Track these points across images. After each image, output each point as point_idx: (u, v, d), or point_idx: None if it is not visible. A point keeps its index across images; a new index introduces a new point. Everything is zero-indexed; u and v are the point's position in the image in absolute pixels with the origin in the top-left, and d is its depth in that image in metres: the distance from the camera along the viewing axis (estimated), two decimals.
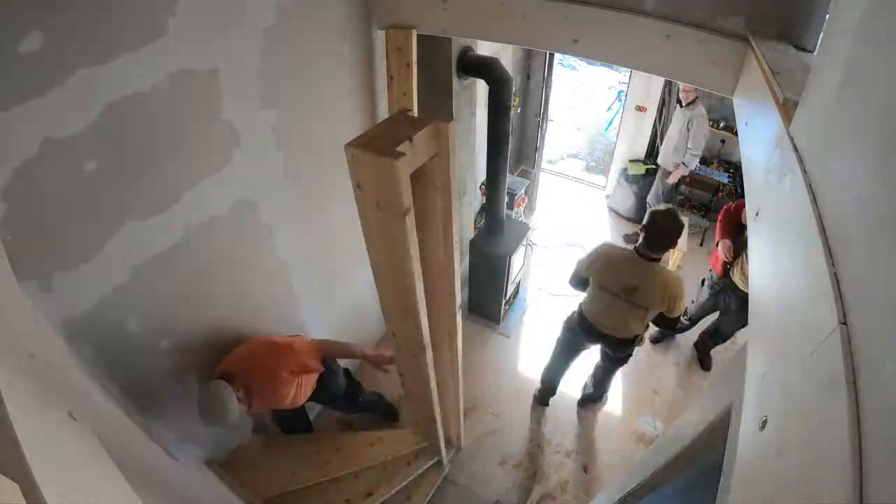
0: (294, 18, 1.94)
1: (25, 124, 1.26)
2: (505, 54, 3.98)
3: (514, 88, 3.44)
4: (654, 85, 4.58)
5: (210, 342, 2.19)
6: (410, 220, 1.37)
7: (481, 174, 3.73)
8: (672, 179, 4.29)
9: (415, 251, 1.47)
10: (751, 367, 0.83)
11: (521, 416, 3.28)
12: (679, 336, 3.81)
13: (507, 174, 3.34)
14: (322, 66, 2.21)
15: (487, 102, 3.09)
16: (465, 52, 2.79)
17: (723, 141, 4.95)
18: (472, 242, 3.61)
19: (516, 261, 3.66)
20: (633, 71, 4.19)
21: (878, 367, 0.46)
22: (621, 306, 2.41)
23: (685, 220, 4.27)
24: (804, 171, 0.81)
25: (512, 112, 3.22)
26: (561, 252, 4.65)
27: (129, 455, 1.35)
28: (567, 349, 2.95)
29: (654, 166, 4.96)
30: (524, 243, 3.71)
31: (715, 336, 3.42)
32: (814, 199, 0.73)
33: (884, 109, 0.62)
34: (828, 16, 1.37)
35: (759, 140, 1.28)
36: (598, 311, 2.54)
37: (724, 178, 4.69)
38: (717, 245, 3.08)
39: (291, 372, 2.10)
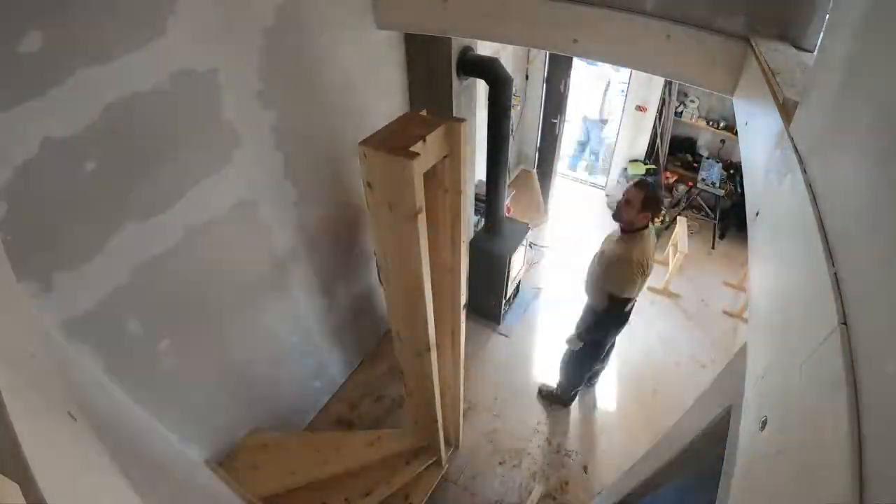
0: (294, 18, 1.94)
1: (25, 124, 1.26)
2: (505, 54, 3.98)
3: (514, 88, 3.43)
4: (654, 85, 4.58)
5: (210, 342, 2.19)
6: (422, 220, 1.37)
7: (481, 174, 3.73)
8: None
9: (424, 251, 1.47)
10: (751, 367, 0.83)
11: (521, 416, 3.28)
12: (678, 334, 3.82)
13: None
14: (322, 66, 2.21)
15: (487, 102, 3.09)
16: (465, 52, 2.79)
17: (723, 141, 4.96)
18: (471, 242, 3.61)
19: (516, 261, 3.66)
20: (633, 71, 4.19)
21: (878, 367, 0.46)
22: (593, 270, 2.57)
23: (684, 219, 4.26)
24: (804, 171, 0.81)
25: (512, 111, 3.22)
26: (560, 252, 4.65)
27: (128, 455, 1.35)
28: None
29: (653, 166, 4.96)
30: (524, 243, 3.71)
31: None
32: (814, 199, 0.73)
33: (884, 109, 0.62)
34: (828, 16, 1.37)
35: (759, 140, 1.27)
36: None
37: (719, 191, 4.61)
38: None
39: None
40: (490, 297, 3.75)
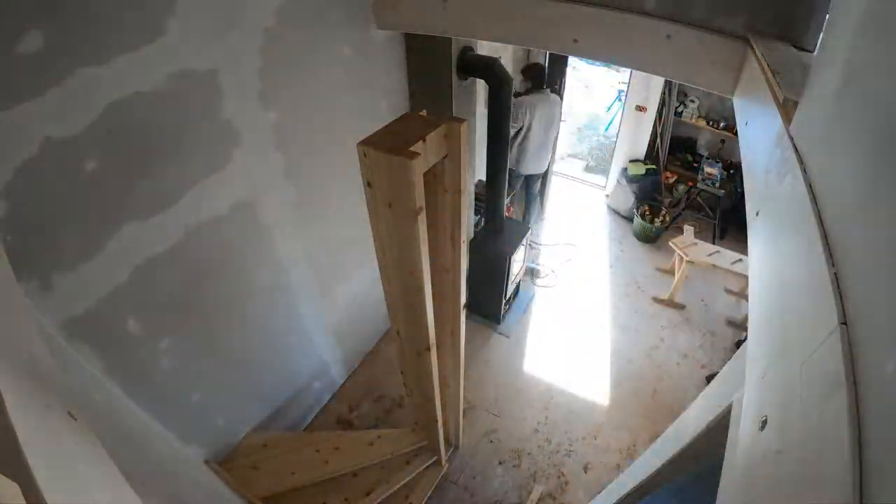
0: (294, 18, 1.94)
1: (25, 124, 1.26)
2: (505, 54, 3.98)
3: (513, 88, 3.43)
4: (654, 85, 4.58)
5: (210, 342, 2.19)
6: (422, 220, 1.38)
7: (481, 174, 3.73)
8: None
9: (425, 250, 1.47)
10: (751, 367, 0.83)
11: (521, 416, 3.28)
12: (678, 334, 3.83)
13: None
14: (322, 66, 2.21)
15: (487, 102, 3.09)
16: (465, 52, 2.79)
17: (723, 141, 4.96)
18: (471, 242, 3.61)
19: (516, 261, 3.66)
20: (633, 71, 4.19)
21: (878, 367, 0.46)
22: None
23: (691, 228, 4.22)
24: (804, 171, 0.81)
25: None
26: (560, 251, 4.65)
27: (129, 455, 1.35)
28: None
29: (653, 166, 4.96)
30: (524, 243, 3.71)
31: None
32: (814, 199, 0.73)
33: (884, 109, 0.62)
34: (828, 16, 1.37)
35: (759, 140, 1.27)
36: None
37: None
38: None
39: None
40: (490, 297, 3.75)
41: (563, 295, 4.23)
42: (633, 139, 4.99)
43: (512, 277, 3.71)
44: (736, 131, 1.58)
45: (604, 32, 1.91)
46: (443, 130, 1.35)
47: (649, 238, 4.73)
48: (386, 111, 2.71)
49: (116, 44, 1.40)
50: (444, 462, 2.84)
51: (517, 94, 3.91)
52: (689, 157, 5.13)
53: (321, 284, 2.81)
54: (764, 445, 0.63)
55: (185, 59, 1.60)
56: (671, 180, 5.12)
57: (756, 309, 0.91)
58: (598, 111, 7.62)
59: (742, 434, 0.75)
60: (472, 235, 3.84)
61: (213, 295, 2.12)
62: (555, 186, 5.44)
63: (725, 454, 0.95)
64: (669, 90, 4.60)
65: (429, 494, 2.75)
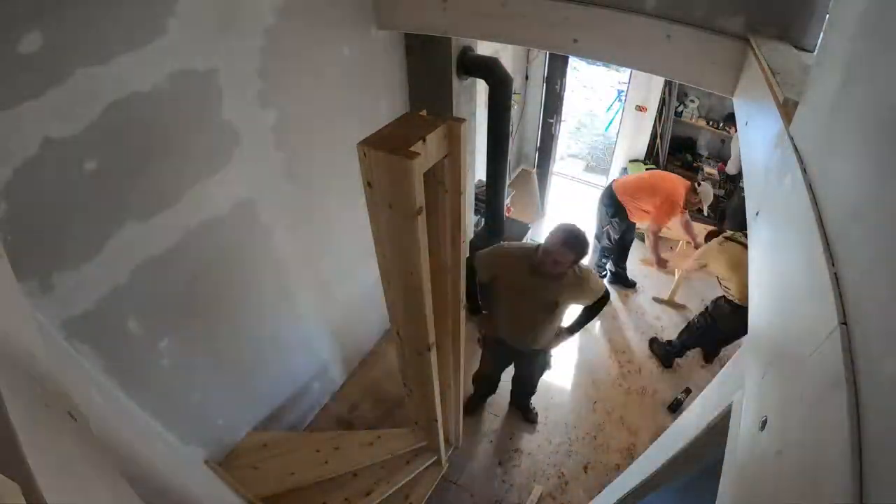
0: (294, 18, 1.94)
1: (25, 124, 1.26)
2: (505, 54, 3.98)
3: (514, 88, 3.44)
4: (654, 85, 4.58)
5: (210, 342, 2.19)
6: (422, 220, 1.37)
7: (481, 174, 3.73)
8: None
9: (425, 250, 1.47)
10: (751, 367, 0.83)
11: (521, 416, 3.28)
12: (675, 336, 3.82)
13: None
14: (322, 66, 2.21)
15: (487, 102, 3.09)
16: (465, 52, 2.79)
17: (722, 141, 4.96)
18: (472, 242, 3.61)
19: None
20: (633, 71, 4.19)
21: (878, 367, 0.46)
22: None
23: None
24: (804, 171, 0.81)
25: (512, 111, 3.22)
26: None
27: (128, 455, 1.35)
28: None
29: (653, 166, 4.96)
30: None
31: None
32: (814, 199, 0.73)
33: (884, 109, 0.62)
34: (828, 16, 1.37)
35: (759, 140, 1.28)
36: None
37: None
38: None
39: None
40: None
41: None
42: (633, 139, 4.99)
43: None
44: (736, 131, 1.58)
45: (604, 32, 1.91)
46: (443, 130, 1.35)
47: None
48: (386, 111, 2.71)
49: (116, 44, 1.39)
50: (444, 462, 2.84)
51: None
52: (689, 157, 5.13)
53: (321, 284, 2.81)
54: (764, 445, 0.63)
55: (185, 59, 1.60)
56: None
57: (756, 309, 0.91)
58: (598, 111, 7.62)
59: (742, 434, 0.75)
60: (472, 235, 3.84)
61: (214, 295, 2.12)
62: (555, 186, 5.44)
63: (725, 454, 0.95)
64: (669, 90, 4.61)
65: (429, 494, 2.75)
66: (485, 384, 3.15)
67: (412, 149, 1.23)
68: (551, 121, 4.69)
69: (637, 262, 4.39)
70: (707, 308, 3.28)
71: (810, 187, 0.76)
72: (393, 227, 1.44)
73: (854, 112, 0.73)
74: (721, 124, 4.79)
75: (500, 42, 2.22)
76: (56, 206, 1.41)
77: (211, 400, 2.31)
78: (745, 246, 2.77)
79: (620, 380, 3.54)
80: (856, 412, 0.46)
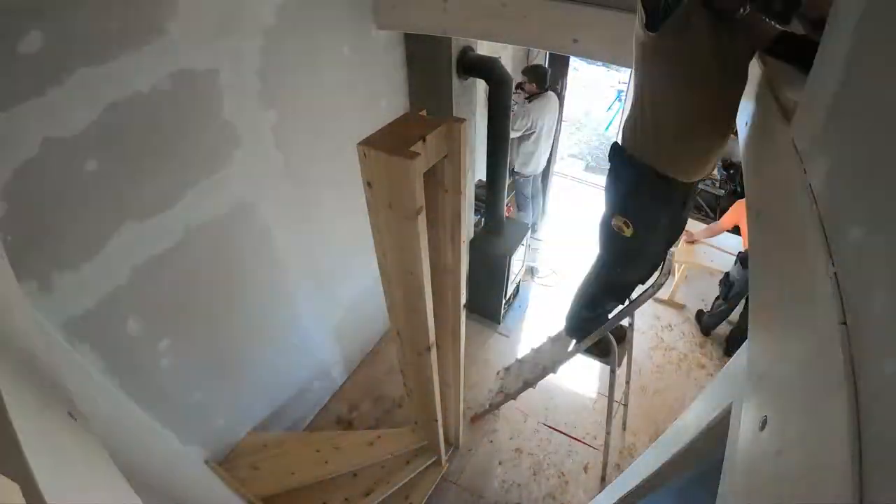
0: (294, 18, 1.94)
1: (25, 124, 1.26)
2: (505, 54, 3.97)
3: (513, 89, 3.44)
4: None
5: (210, 342, 2.19)
6: (422, 220, 1.37)
7: (481, 174, 3.73)
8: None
9: (425, 251, 1.47)
10: (751, 367, 0.83)
11: (521, 416, 3.28)
12: (676, 336, 3.82)
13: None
14: (322, 67, 2.21)
15: (487, 102, 3.09)
16: (465, 52, 2.79)
17: None
18: (471, 242, 3.61)
19: (516, 261, 3.66)
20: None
21: (878, 367, 0.46)
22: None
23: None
24: (804, 172, 0.81)
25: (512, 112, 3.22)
26: (559, 251, 4.65)
27: (129, 455, 1.35)
28: None
29: None
30: (524, 243, 3.71)
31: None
32: (814, 199, 0.73)
33: (884, 109, 0.62)
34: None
35: (759, 140, 1.27)
36: None
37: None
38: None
39: None
40: (490, 297, 3.75)
41: (563, 295, 4.23)
42: None
43: (512, 277, 3.71)
44: (736, 131, 1.58)
45: (604, 32, 1.91)
46: (443, 130, 1.35)
47: None
48: (386, 111, 2.71)
49: (116, 44, 1.40)
50: (444, 462, 2.84)
51: (529, 97, 3.91)
52: None
53: (321, 284, 2.81)
54: (764, 445, 0.63)
55: (185, 59, 1.60)
56: None
57: (756, 309, 0.91)
58: (598, 111, 7.63)
59: (742, 434, 0.75)
60: (472, 235, 3.84)
61: (214, 295, 2.12)
62: (555, 186, 5.44)
63: (725, 454, 0.95)
64: None
65: (429, 494, 2.75)
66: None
67: (412, 149, 1.23)
68: None
69: None
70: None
71: (810, 187, 0.76)
72: (392, 228, 1.44)
73: (854, 112, 0.73)
74: None
75: (500, 42, 2.22)
76: (56, 206, 1.41)
77: (211, 400, 2.31)
78: None
79: (621, 380, 3.54)
80: (856, 412, 0.46)
